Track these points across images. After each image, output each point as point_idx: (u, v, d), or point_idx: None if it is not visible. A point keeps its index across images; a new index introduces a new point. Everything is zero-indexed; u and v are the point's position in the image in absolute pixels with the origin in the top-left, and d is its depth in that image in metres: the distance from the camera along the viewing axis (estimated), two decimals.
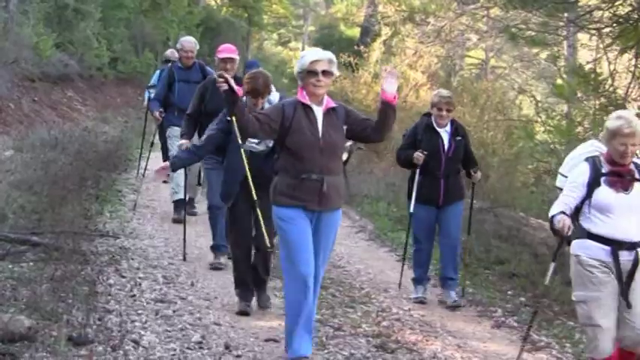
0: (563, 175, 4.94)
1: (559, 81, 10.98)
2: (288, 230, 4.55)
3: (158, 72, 10.68)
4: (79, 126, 14.46)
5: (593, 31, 9.73)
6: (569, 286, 4.70)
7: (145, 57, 22.17)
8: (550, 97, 13.22)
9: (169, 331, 4.99)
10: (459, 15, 14.84)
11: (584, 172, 4.43)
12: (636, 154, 4.43)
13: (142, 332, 4.88)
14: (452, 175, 6.59)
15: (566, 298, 5.50)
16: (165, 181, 10.35)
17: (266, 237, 5.28)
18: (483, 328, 6.04)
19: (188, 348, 4.73)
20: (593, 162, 4.45)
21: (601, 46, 9.88)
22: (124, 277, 6.18)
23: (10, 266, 5.79)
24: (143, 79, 19.48)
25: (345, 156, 4.87)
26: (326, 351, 4.96)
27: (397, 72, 4.64)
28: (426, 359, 5.08)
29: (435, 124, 6.57)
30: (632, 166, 4.40)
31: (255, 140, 5.40)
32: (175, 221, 8.43)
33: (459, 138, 6.58)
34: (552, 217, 4.35)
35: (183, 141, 6.83)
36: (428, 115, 6.70)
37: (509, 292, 7.11)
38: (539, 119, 11.01)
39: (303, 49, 34.02)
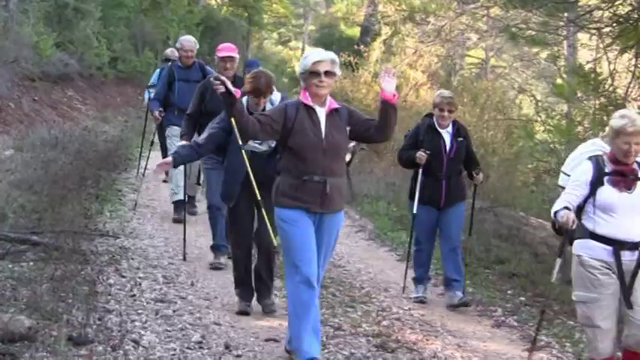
0: (565, 174, 4.93)
1: (559, 81, 10.95)
2: (290, 232, 4.52)
3: (158, 71, 10.65)
4: (79, 125, 14.44)
5: (593, 31, 9.70)
6: (569, 285, 4.69)
7: (145, 56, 22.14)
8: (550, 96, 13.19)
9: (169, 331, 4.99)
10: (459, 14, 14.80)
11: (587, 171, 4.41)
12: None
13: (142, 332, 4.88)
14: (454, 176, 6.58)
15: (566, 297, 5.49)
16: (164, 181, 10.35)
17: (272, 236, 5.22)
18: (483, 327, 6.05)
19: (188, 348, 4.72)
20: (597, 161, 4.43)
21: (601, 45, 9.86)
22: (123, 276, 6.18)
23: (10, 266, 5.79)
24: (143, 78, 19.44)
25: (348, 157, 4.84)
26: (326, 350, 4.95)
27: (394, 70, 4.61)
28: (426, 359, 5.08)
29: (436, 125, 6.55)
30: (635, 166, 4.38)
31: (258, 140, 5.38)
32: (175, 221, 8.42)
33: (460, 139, 6.56)
34: (555, 212, 4.33)
35: (184, 142, 6.81)
36: (430, 115, 6.68)
37: (509, 292, 7.12)
38: (539, 119, 10.99)
39: (303, 49, 34.07)
